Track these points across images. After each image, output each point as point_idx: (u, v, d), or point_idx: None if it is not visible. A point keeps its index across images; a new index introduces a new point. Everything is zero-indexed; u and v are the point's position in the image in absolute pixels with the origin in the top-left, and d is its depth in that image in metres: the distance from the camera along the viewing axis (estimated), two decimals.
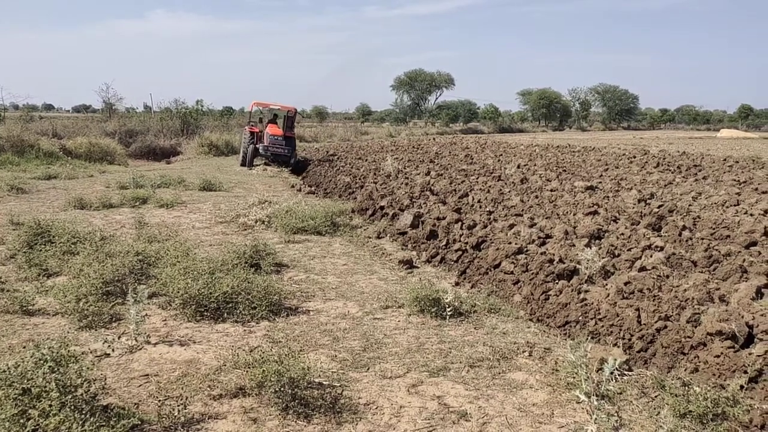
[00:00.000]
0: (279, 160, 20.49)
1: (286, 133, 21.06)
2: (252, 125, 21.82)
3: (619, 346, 4.76)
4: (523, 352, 4.83)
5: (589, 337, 5.03)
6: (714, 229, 8.46)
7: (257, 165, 20.52)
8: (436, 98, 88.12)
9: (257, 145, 20.35)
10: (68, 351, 3.35)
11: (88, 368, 3.37)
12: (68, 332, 4.78)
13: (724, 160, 21.31)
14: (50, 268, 6.44)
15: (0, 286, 5.79)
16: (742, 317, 4.66)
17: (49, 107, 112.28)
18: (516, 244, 7.44)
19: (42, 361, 3.19)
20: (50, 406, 3.00)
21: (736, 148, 32.69)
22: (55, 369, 3.18)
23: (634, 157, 22.88)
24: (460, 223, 9.06)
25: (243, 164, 20.84)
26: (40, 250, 6.77)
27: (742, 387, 3.81)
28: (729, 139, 48.92)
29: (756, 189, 13.45)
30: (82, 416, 3.04)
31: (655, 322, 4.90)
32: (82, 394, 3.18)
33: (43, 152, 19.13)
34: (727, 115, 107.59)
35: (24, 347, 4.41)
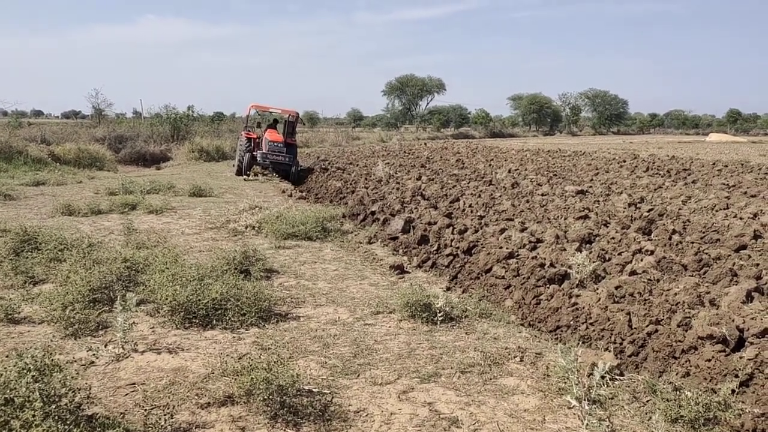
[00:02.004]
0: (278, 170, 18.74)
1: (287, 139, 19.33)
2: (249, 130, 20.09)
3: (610, 351, 4.74)
4: (515, 357, 4.80)
5: (581, 342, 5.02)
6: (704, 232, 8.49)
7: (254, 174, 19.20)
8: (428, 103, 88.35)
9: (254, 153, 18.67)
10: (52, 360, 3.29)
11: (72, 377, 3.31)
12: (53, 340, 4.71)
13: (713, 164, 21.44)
14: (37, 276, 6.36)
15: None
16: (733, 321, 4.66)
17: (38, 113, 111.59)
18: (507, 248, 7.43)
19: (25, 371, 3.13)
20: (33, 416, 2.93)
21: (725, 152, 32.91)
22: (39, 378, 3.11)
23: (624, 161, 22.99)
24: (451, 227, 9.05)
25: (238, 173, 19.19)
26: (27, 257, 6.69)
27: (733, 391, 3.79)
28: (718, 143, 49.24)
29: (745, 193, 13.54)
30: (66, 427, 2.98)
31: (646, 326, 4.90)
32: (66, 404, 3.11)
33: (31, 158, 19.01)
34: (715, 119, 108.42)
35: (7, 356, 4.34)
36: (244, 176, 18.54)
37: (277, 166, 18.54)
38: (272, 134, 19.08)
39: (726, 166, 20.52)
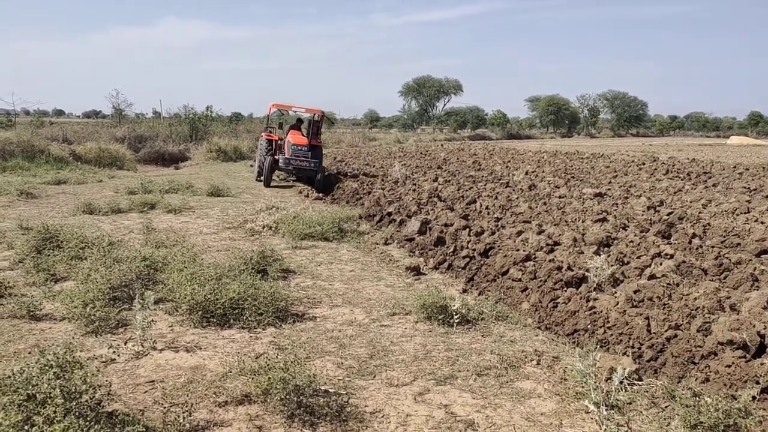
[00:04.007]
0: (303, 176, 16.91)
1: (312, 141, 17.16)
2: (270, 132, 17.98)
3: (628, 355, 4.70)
4: (531, 360, 4.78)
5: (598, 346, 4.98)
6: (724, 236, 8.39)
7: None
8: (444, 104, 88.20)
9: (277, 157, 16.66)
10: (73, 357, 3.34)
11: (93, 374, 3.36)
12: (74, 338, 4.78)
13: (734, 167, 21.17)
14: (58, 273, 6.46)
15: (8, 291, 5.80)
16: (754, 326, 4.60)
17: (59, 113, 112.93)
18: (524, 251, 7.39)
19: (47, 367, 3.18)
20: (55, 412, 2.98)
21: (746, 155, 32.49)
22: (60, 375, 3.16)
23: (643, 164, 22.77)
24: (467, 229, 9.02)
25: (259, 179, 17.48)
26: (49, 255, 6.79)
27: (754, 398, 3.75)
28: (739, 146, 48.61)
29: (767, 196, 13.34)
30: (87, 423, 3.02)
31: (665, 330, 4.84)
32: (87, 401, 3.16)
33: (53, 157, 19.25)
34: (736, 122, 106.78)
35: (30, 353, 4.41)
36: (267, 185, 16.74)
37: (302, 172, 16.61)
38: (296, 136, 17.10)
39: (747, 169, 20.24)
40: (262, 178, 16.97)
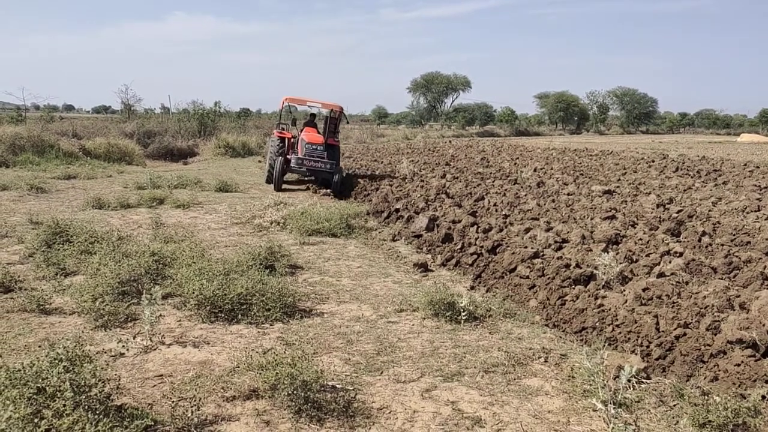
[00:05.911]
0: (318, 178, 15.50)
1: (329, 139, 15.73)
2: (282, 129, 16.43)
3: (636, 354, 4.69)
4: (539, 357, 4.77)
5: (606, 344, 4.96)
6: (734, 235, 8.33)
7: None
8: (453, 101, 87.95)
9: (289, 156, 15.22)
10: (83, 351, 3.37)
11: (102, 368, 3.38)
12: (83, 332, 4.81)
13: (745, 165, 21.00)
14: (68, 268, 6.50)
15: (18, 284, 5.85)
16: (764, 325, 4.57)
17: (69, 108, 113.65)
18: (532, 248, 7.37)
19: (57, 361, 3.21)
20: (64, 405, 3.00)
21: (757, 153, 32.23)
22: (70, 369, 3.18)
23: (653, 161, 22.63)
24: (475, 226, 9.01)
25: (269, 181, 15.62)
26: (58, 250, 6.83)
27: (763, 397, 3.73)
28: (749, 143, 48.23)
29: None
30: (96, 416, 3.04)
31: (674, 329, 4.82)
32: (96, 394, 3.18)
33: (62, 152, 19.33)
34: (747, 119, 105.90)
35: (40, 346, 4.45)
36: (278, 189, 14.95)
37: (316, 173, 15.08)
38: (310, 134, 15.46)
39: (758, 167, 20.09)
40: (273, 180, 15.16)
